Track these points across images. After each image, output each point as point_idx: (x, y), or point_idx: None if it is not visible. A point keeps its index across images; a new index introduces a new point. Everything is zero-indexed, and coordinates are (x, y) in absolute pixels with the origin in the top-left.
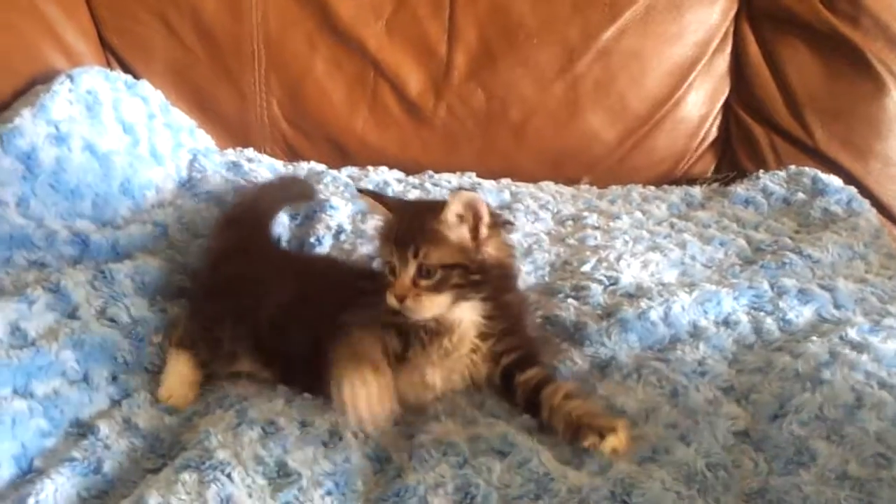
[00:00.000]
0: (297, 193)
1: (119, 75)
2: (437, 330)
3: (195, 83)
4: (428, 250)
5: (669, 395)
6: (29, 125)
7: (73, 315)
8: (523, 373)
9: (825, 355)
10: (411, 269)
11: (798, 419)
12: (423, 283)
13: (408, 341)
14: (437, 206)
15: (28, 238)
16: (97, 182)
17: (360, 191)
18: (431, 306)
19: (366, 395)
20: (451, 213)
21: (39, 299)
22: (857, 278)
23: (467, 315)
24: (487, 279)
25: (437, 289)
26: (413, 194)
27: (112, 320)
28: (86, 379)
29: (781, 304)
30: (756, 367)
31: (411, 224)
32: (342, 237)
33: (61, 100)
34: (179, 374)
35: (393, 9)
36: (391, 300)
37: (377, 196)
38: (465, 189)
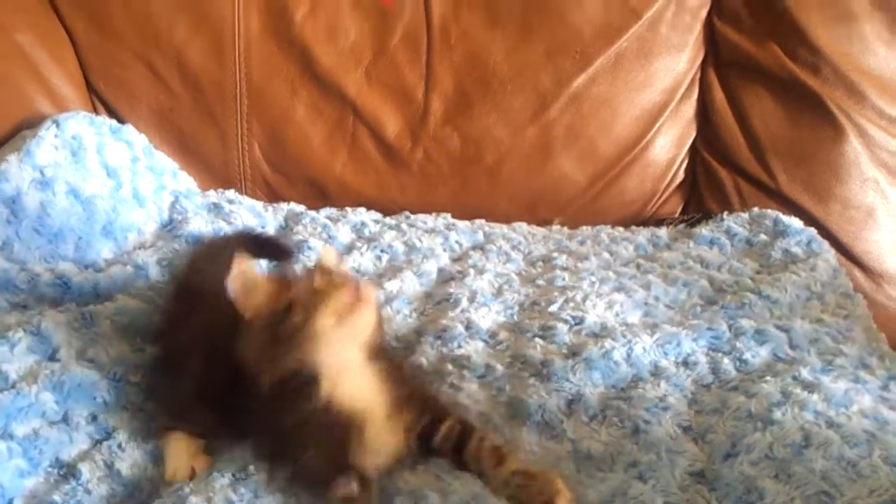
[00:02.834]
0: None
1: (104, 120)
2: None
3: (178, 127)
4: None
5: (631, 433)
6: (15, 170)
7: (52, 357)
8: (438, 433)
9: (777, 395)
10: None
11: (749, 459)
12: None
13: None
14: None
15: (11, 281)
16: (80, 225)
17: None
18: None
19: None
20: None
21: (21, 342)
22: (813, 318)
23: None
24: None
25: None
26: (389, 235)
27: (91, 360)
28: (65, 419)
29: (739, 344)
30: (713, 408)
31: None
32: None
33: (47, 145)
34: (177, 453)
35: (372, 57)
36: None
37: None
38: None
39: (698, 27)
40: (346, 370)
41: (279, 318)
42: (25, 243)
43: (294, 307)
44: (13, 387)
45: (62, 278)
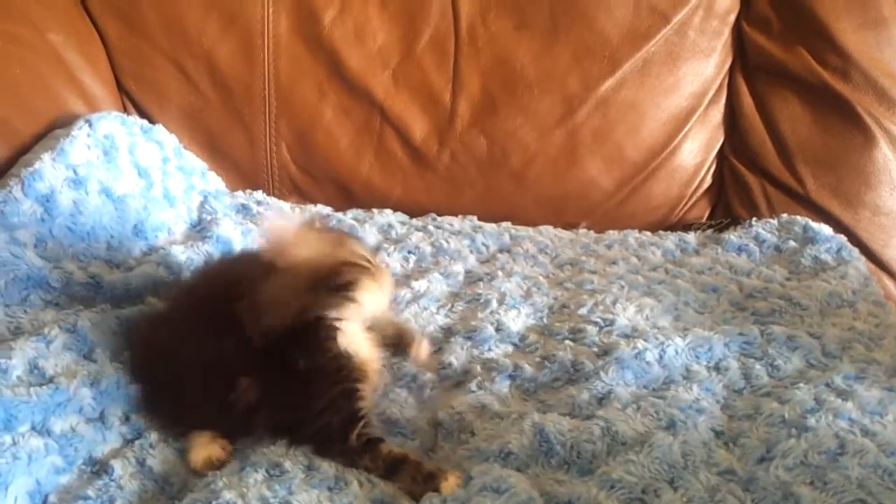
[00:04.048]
0: None
1: (135, 120)
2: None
3: (208, 127)
4: None
5: (666, 426)
6: (48, 169)
7: (89, 356)
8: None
9: (811, 402)
10: None
11: (784, 464)
12: None
13: None
14: None
15: (45, 279)
16: (112, 224)
17: None
18: None
19: None
20: None
21: (56, 339)
22: (844, 326)
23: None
24: None
25: None
26: (416, 237)
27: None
28: (101, 417)
29: (771, 350)
30: (745, 413)
31: None
32: None
33: (80, 144)
34: (199, 443)
35: (400, 59)
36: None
37: None
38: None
39: (727, 32)
40: (354, 331)
41: (328, 271)
42: (58, 241)
43: (346, 269)
44: (51, 381)
45: (94, 277)
